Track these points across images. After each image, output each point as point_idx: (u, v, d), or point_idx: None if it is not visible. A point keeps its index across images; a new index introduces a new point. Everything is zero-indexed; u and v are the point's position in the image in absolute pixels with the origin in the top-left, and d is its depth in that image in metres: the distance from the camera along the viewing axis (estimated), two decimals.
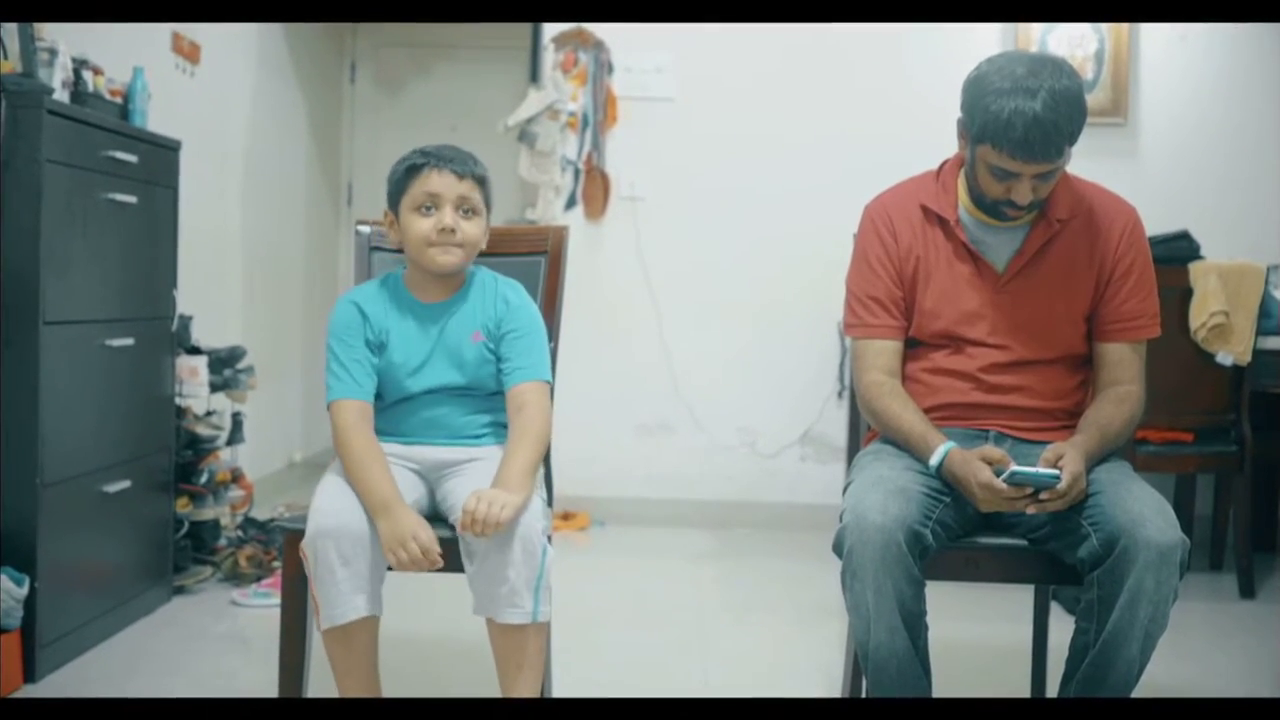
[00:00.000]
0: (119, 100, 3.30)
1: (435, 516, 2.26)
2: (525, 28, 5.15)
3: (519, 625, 2.09)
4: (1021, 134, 2.02)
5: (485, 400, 2.33)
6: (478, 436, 2.32)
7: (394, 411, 2.31)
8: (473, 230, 2.27)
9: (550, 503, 2.45)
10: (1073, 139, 2.07)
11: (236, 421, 4.02)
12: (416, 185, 2.25)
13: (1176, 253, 3.84)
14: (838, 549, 2.04)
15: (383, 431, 2.29)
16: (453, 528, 2.16)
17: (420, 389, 2.28)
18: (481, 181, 2.30)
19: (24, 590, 2.71)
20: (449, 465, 2.26)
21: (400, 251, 2.39)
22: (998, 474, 2.02)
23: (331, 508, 2.09)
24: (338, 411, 2.22)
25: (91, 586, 3.04)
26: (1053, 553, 2.11)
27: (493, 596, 2.08)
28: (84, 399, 2.97)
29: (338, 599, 2.05)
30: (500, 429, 2.34)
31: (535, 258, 2.58)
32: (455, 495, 2.18)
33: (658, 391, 4.89)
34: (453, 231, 2.23)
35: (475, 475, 2.19)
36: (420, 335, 2.29)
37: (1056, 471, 2.00)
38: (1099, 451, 2.12)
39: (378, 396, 2.29)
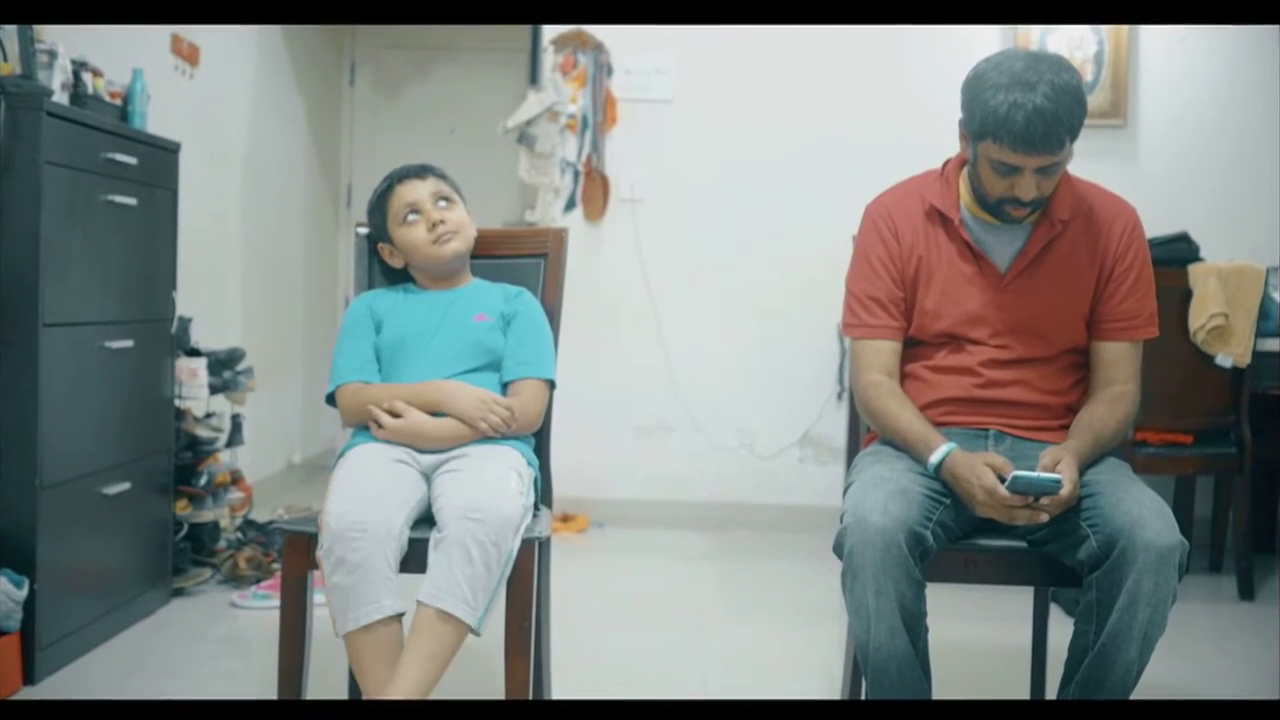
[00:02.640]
0: (118, 102, 3.30)
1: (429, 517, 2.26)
2: (525, 30, 5.15)
3: (456, 621, 2.05)
4: (1022, 125, 2.02)
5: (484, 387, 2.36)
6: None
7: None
8: (457, 215, 2.45)
9: (550, 504, 2.46)
10: (1073, 131, 2.07)
11: (236, 423, 4.02)
12: (393, 203, 2.44)
13: (1176, 254, 3.84)
14: (838, 550, 2.04)
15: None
16: (432, 523, 2.16)
17: (422, 365, 2.36)
18: (443, 176, 2.49)
19: (23, 592, 2.71)
20: (444, 461, 2.27)
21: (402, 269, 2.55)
22: (999, 480, 2.02)
23: (343, 509, 2.08)
24: (339, 395, 2.37)
25: (91, 589, 3.03)
26: (1052, 554, 2.11)
27: (446, 586, 2.05)
28: (83, 401, 2.97)
29: (363, 599, 2.05)
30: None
31: (534, 260, 2.60)
32: (443, 496, 2.18)
33: (657, 393, 4.89)
34: (443, 222, 2.40)
35: (462, 474, 2.19)
36: (426, 314, 2.42)
37: (1058, 476, 2.00)
38: (1091, 455, 2.13)
39: (380, 375, 2.39)
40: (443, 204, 2.43)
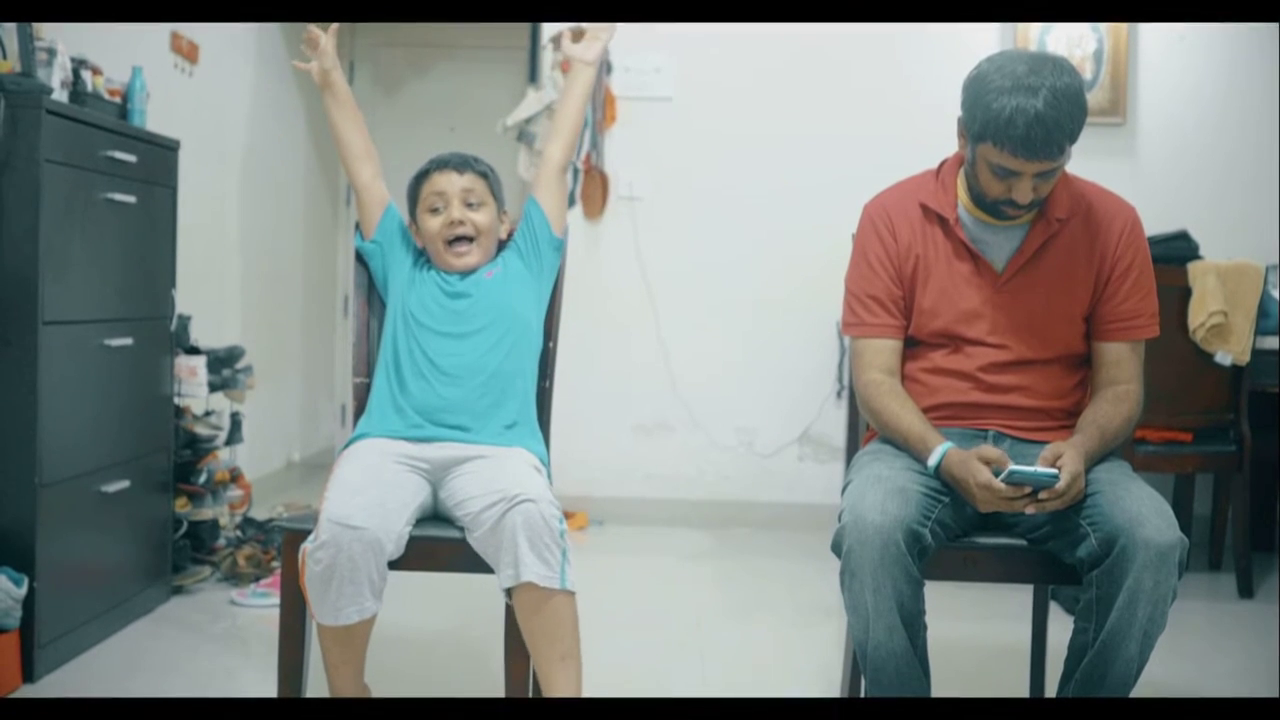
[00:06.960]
0: (118, 100, 3.30)
1: (437, 515, 2.27)
2: (524, 28, 5.15)
3: (548, 593, 2.07)
4: (1023, 132, 2.02)
5: (505, 383, 2.37)
6: (485, 422, 2.33)
7: (413, 383, 2.35)
8: (481, 218, 2.43)
9: None
10: (1073, 137, 2.07)
11: (235, 421, 4.02)
12: (425, 189, 2.44)
13: (1175, 252, 3.85)
14: (836, 549, 2.05)
15: (398, 407, 2.34)
16: (459, 528, 2.18)
17: (436, 340, 2.36)
18: (484, 175, 2.46)
19: (23, 590, 2.71)
20: (457, 463, 2.27)
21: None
22: (996, 474, 2.02)
23: (341, 511, 2.08)
24: None
25: (90, 586, 3.03)
26: (1052, 552, 2.11)
27: (515, 558, 2.06)
28: (83, 399, 2.97)
29: (351, 598, 2.07)
30: (511, 429, 2.36)
31: None
32: (462, 493, 2.19)
33: (656, 391, 4.89)
34: (461, 223, 2.40)
35: (482, 473, 2.20)
36: (438, 293, 2.41)
37: (1055, 470, 2.00)
38: (1098, 451, 2.13)
39: (396, 361, 2.38)
40: (471, 205, 2.43)
